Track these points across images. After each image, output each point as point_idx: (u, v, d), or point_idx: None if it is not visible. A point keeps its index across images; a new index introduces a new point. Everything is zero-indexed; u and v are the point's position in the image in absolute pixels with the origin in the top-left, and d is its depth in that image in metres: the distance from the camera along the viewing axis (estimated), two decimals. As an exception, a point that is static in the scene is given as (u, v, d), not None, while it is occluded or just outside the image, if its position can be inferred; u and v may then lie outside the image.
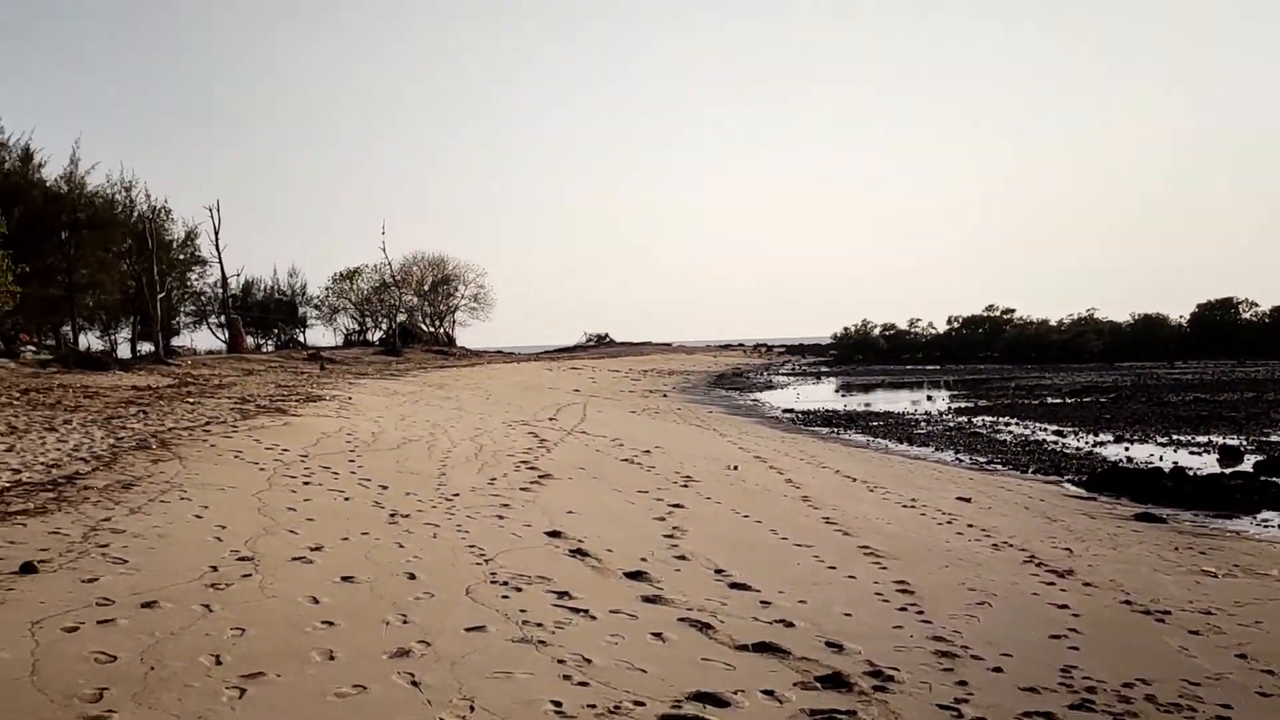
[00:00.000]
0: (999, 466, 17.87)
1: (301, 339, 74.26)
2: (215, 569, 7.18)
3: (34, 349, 34.73)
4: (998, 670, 5.76)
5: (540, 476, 12.71)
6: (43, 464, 11.43)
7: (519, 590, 6.97)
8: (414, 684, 5.04)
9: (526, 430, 18.82)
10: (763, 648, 5.85)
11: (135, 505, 9.38)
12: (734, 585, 7.42)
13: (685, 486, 12.45)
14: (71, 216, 47.30)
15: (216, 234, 59.90)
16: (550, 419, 22.02)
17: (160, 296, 43.80)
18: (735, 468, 14.52)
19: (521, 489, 11.70)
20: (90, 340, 57.92)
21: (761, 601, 6.97)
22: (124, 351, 55.27)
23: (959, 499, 12.65)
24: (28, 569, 6.83)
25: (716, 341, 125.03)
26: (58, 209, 46.66)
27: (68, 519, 8.62)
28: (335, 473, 12.29)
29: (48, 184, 47.81)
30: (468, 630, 5.99)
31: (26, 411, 16.73)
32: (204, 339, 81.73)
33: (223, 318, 63.07)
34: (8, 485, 10.04)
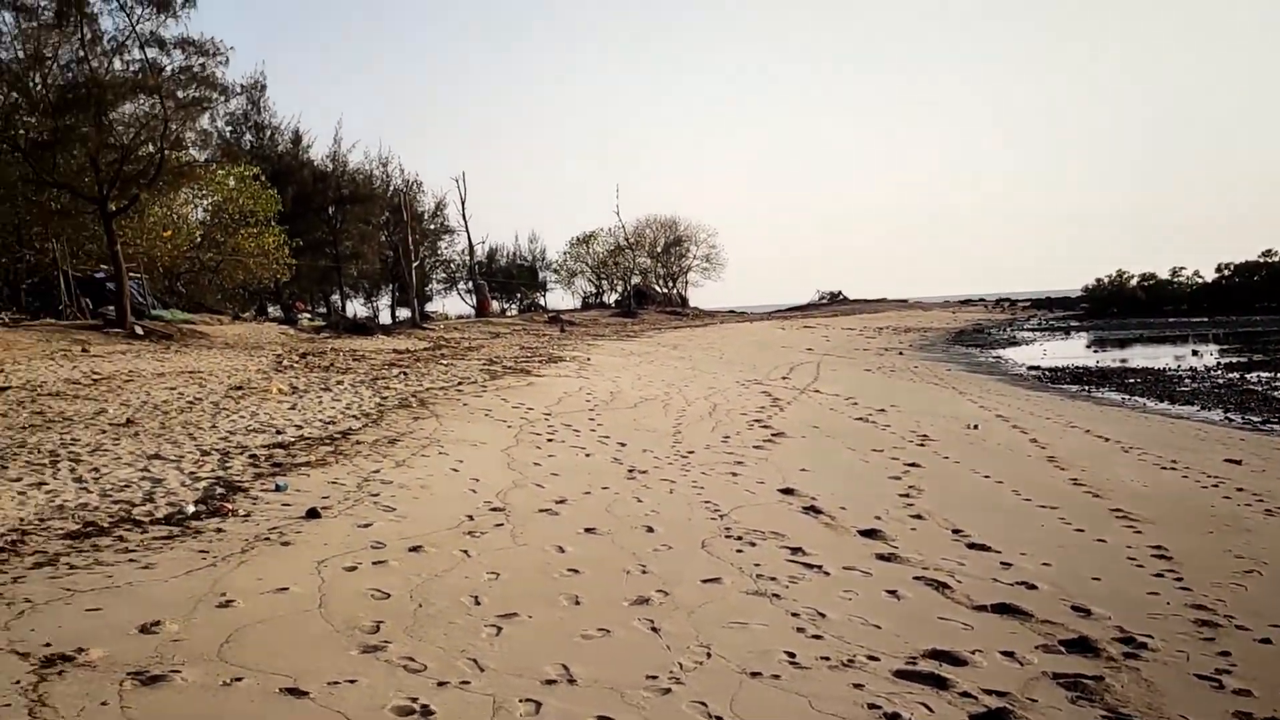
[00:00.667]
0: (1277, 427, 16.37)
1: (542, 302, 77.47)
2: (471, 518, 7.75)
3: (309, 316, 38.04)
4: (1265, 642, 5.38)
5: (773, 435, 12.80)
6: (320, 420, 12.62)
7: (753, 545, 7.12)
8: (653, 629, 5.28)
9: (760, 389, 18.93)
10: (1002, 609, 5.73)
11: (400, 459, 10.21)
12: (972, 545, 7.26)
13: (921, 445, 12.19)
14: (336, 193, 51.33)
15: (463, 204, 63.29)
16: (783, 378, 22.04)
17: (414, 265, 46.74)
18: (975, 426, 14.06)
19: (754, 447, 11.84)
20: (355, 307, 62.89)
21: (1002, 563, 6.79)
22: (384, 317, 59.61)
23: (1227, 461, 11.72)
24: (312, 514, 7.62)
25: (955, 297, 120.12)
26: (324, 186, 50.69)
27: (344, 470, 9.51)
28: (576, 430, 12.85)
29: (315, 163, 51.96)
30: (704, 582, 6.19)
31: (305, 373, 18.44)
32: (454, 304, 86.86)
33: (470, 284, 66.69)
34: (293, 440, 11.17)
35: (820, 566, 6.58)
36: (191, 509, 7.69)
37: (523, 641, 5.06)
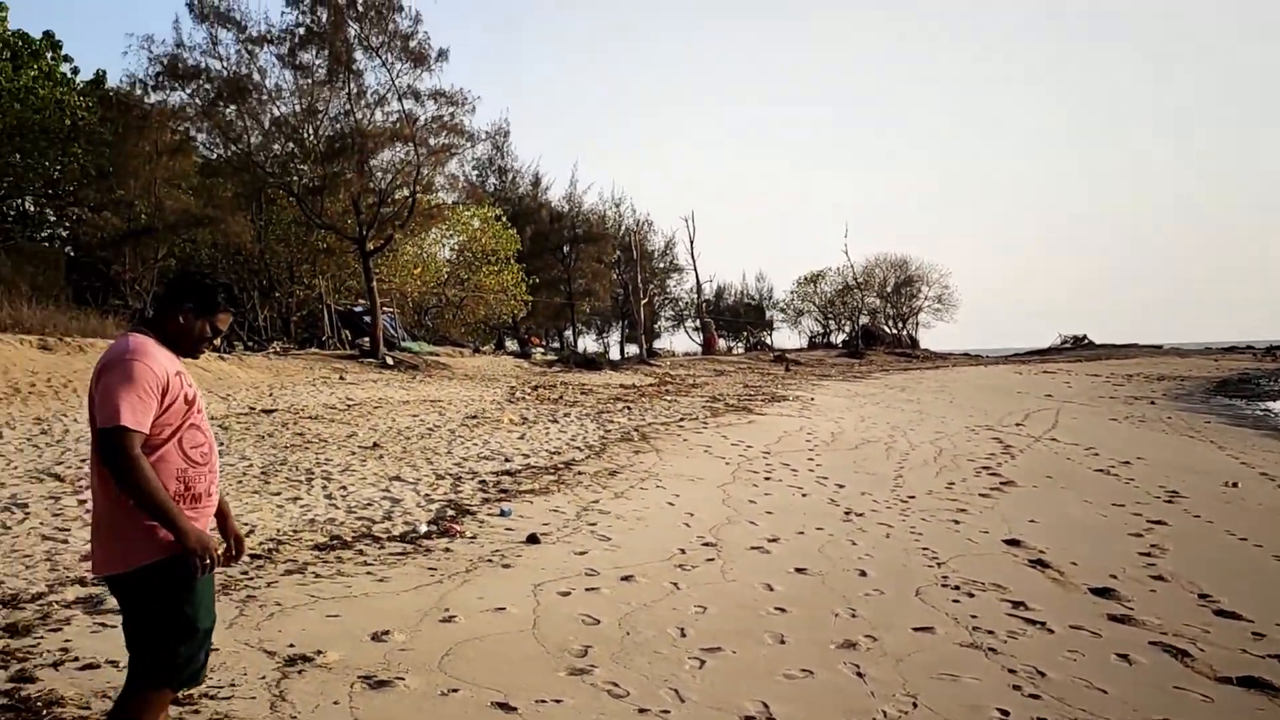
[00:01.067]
0: None
1: (768, 341, 77.34)
2: (683, 551, 7.84)
3: (541, 350, 39.66)
4: None
5: (1002, 483, 12.22)
6: (546, 450, 13.13)
7: (971, 596, 6.83)
8: (859, 674, 5.17)
9: (990, 435, 18.13)
10: (1250, 682, 5.22)
11: (618, 490, 10.48)
12: (1220, 612, 6.66)
13: (1169, 502, 11.30)
14: (571, 232, 53.40)
15: (691, 243, 64.50)
16: (1017, 424, 20.99)
17: (643, 302, 47.86)
18: (1234, 484, 12.88)
19: (980, 495, 11.35)
20: (587, 342, 65.08)
21: (1254, 633, 6.19)
22: (614, 353, 61.34)
23: None
24: (533, 540, 7.95)
25: (1218, 343, 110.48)
26: (559, 226, 52.89)
27: (564, 499, 9.86)
28: (794, 470, 12.75)
29: (552, 204, 54.37)
30: (915, 630, 6.00)
31: (535, 405, 19.26)
32: (681, 341, 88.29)
33: (697, 321, 67.58)
34: (520, 468, 11.68)
35: (1044, 623, 6.23)
36: (424, 528, 8.20)
37: (725, 676, 5.07)
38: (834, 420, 19.36)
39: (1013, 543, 8.66)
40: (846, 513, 9.93)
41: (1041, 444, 17.23)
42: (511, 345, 49.40)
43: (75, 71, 35.46)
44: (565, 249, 53.54)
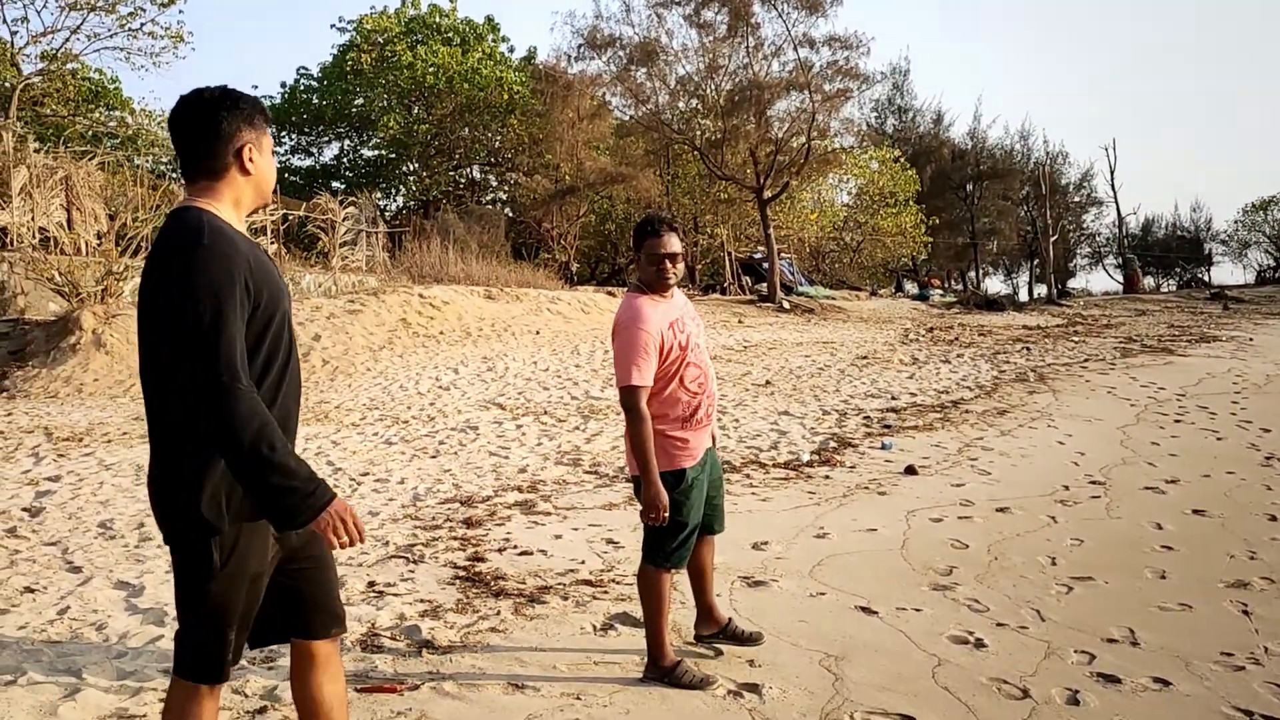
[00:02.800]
0: None
1: (1205, 278, 69.24)
2: (1066, 488, 7.72)
3: (940, 292, 38.70)
4: None
5: None
6: (934, 390, 13.16)
7: (1404, 548, 6.15)
8: (1244, 613, 4.97)
9: None
10: None
11: (1005, 429, 10.36)
12: None
13: None
14: (974, 169, 51.19)
15: (1112, 173, 59.03)
16: None
17: (1053, 239, 44.93)
18: None
19: None
20: (993, 284, 62.22)
21: None
22: (1023, 294, 58.17)
23: None
24: (910, 471, 8.21)
25: None
26: (962, 164, 50.87)
27: (947, 435, 9.96)
28: (1213, 413, 11.76)
29: (954, 142, 52.35)
30: (1326, 577, 5.57)
31: (929, 346, 19.11)
32: (1099, 280, 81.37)
33: (1119, 259, 62.06)
34: (905, 406, 11.86)
35: None
36: (806, 457, 8.74)
37: (1092, 602, 5.11)
38: (1275, 362, 17.33)
39: None
40: (1268, 458, 9.10)
41: None
42: (911, 288, 48.62)
43: (511, 50, 39.81)
44: (969, 187, 51.49)
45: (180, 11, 39.18)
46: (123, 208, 18.16)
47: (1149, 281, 60.82)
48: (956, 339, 20.82)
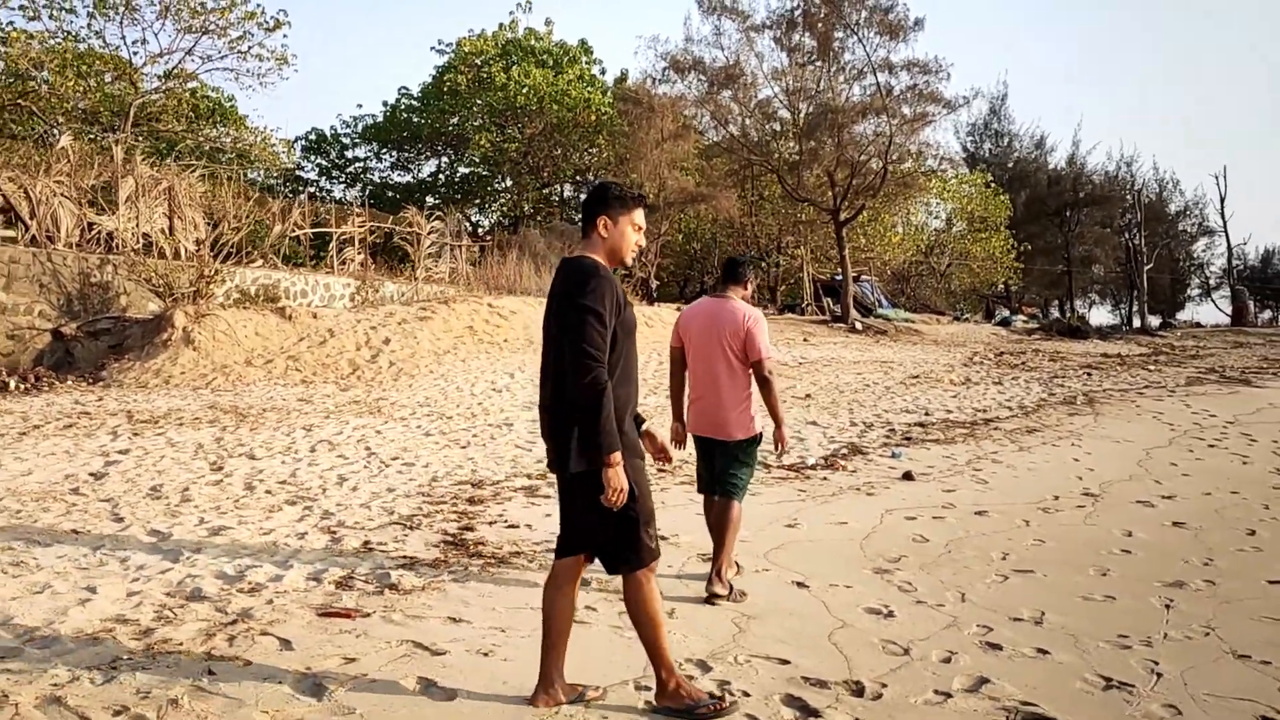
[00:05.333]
0: None
1: (1322, 312, 66.32)
2: (1056, 498, 7.97)
3: (1024, 318, 38.18)
4: None
5: None
6: (972, 408, 13.37)
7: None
8: (1166, 606, 5.25)
9: None
10: None
11: (1025, 445, 10.59)
12: None
13: None
14: (1073, 195, 50.30)
15: (1222, 202, 57.33)
16: None
17: (1148, 267, 43.90)
18: None
19: None
20: (1099, 314, 60.73)
21: None
22: (1127, 324, 56.62)
23: None
24: (907, 477, 8.58)
25: None
26: (1059, 189, 50.04)
27: (963, 448, 10.25)
28: (1253, 440, 11.74)
29: (1051, 167, 51.56)
30: (1271, 582, 5.79)
31: (991, 369, 19.18)
32: (1209, 312, 78.51)
33: (1231, 290, 59.98)
34: (935, 421, 12.14)
35: None
36: (812, 461, 9.17)
37: (1020, 591, 5.46)
38: (1348, 396, 16.93)
39: None
40: (1281, 482, 9.16)
41: None
42: (1003, 313, 47.94)
43: (603, 72, 40.88)
44: (1067, 213, 50.62)
45: (285, 35, 41.19)
46: (222, 217, 19.50)
47: (1266, 314, 58.68)
48: (1023, 364, 20.79)
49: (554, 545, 5.95)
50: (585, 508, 3.54)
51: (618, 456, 3.40)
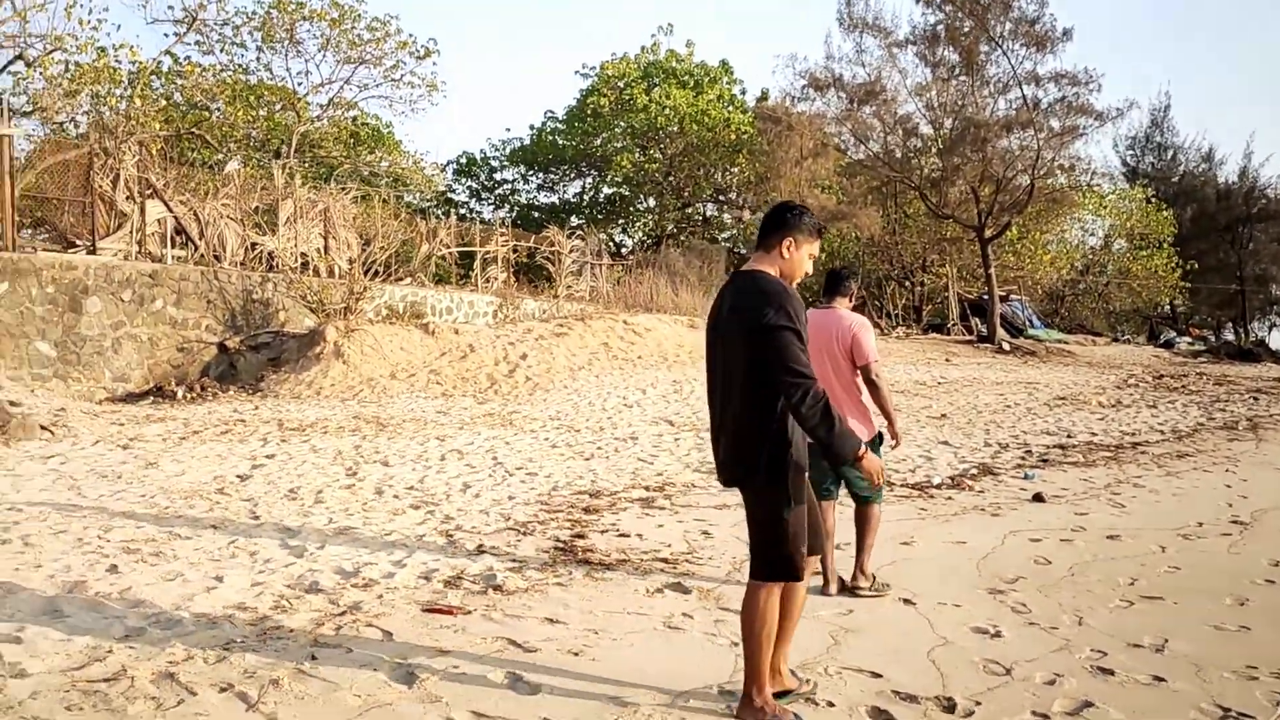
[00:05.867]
0: None
1: None
2: (1199, 524, 7.52)
3: (1189, 341, 36.15)
4: None
5: None
6: (1119, 431, 12.75)
7: None
8: None
9: None
10: None
11: (1173, 470, 10.04)
12: None
13: None
14: (1244, 210, 47.43)
15: None
16: None
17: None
18: None
19: None
20: (1273, 335, 56.88)
21: None
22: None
23: None
24: (1038, 499, 8.27)
25: None
26: (1229, 204, 47.28)
27: (1103, 471, 9.79)
28: None
29: (1220, 181, 48.77)
30: None
31: (1147, 392, 18.25)
32: None
33: None
34: (1078, 444, 11.64)
35: None
36: (938, 480, 8.94)
37: (1144, 617, 5.19)
38: None
39: None
40: None
41: None
42: (1168, 335, 45.45)
43: (744, 92, 40.97)
44: (1240, 229, 47.71)
45: (434, 63, 42.85)
46: (373, 237, 20.44)
47: None
48: (1182, 387, 19.70)
49: (661, 554, 6.06)
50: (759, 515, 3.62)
51: (865, 450, 3.58)
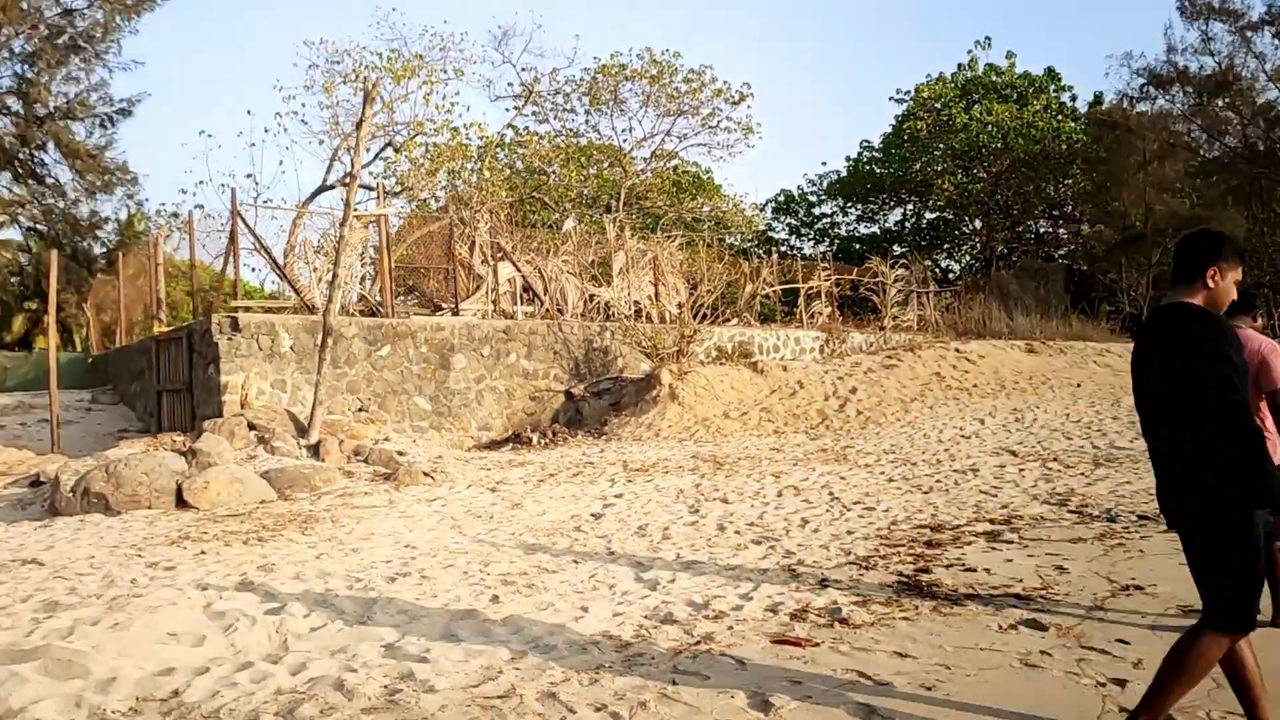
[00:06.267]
0: None
1: None
2: None
3: None
4: None
5: None
6: None
7: None
8: None
9: None
10: None
11: None
12: None
13: None
14: None
15: None
16: None
17: None
18: None
19: None
20: None
21: None
22: None
23: None
24: None
25: None
26: None
27: None
28: None
29: None
30: None
31: None
32: None
33: None
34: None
35: None
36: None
37: None
38: None
39: None
40: None
41: None
42: None
43: (1073, 99, 38.57)
44: None
45: (749, 106, 43.80)
46: (699, 280, 21.26)
47: None
48: None
49: (1013, 589, 5.83)
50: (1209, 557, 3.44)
51: None
